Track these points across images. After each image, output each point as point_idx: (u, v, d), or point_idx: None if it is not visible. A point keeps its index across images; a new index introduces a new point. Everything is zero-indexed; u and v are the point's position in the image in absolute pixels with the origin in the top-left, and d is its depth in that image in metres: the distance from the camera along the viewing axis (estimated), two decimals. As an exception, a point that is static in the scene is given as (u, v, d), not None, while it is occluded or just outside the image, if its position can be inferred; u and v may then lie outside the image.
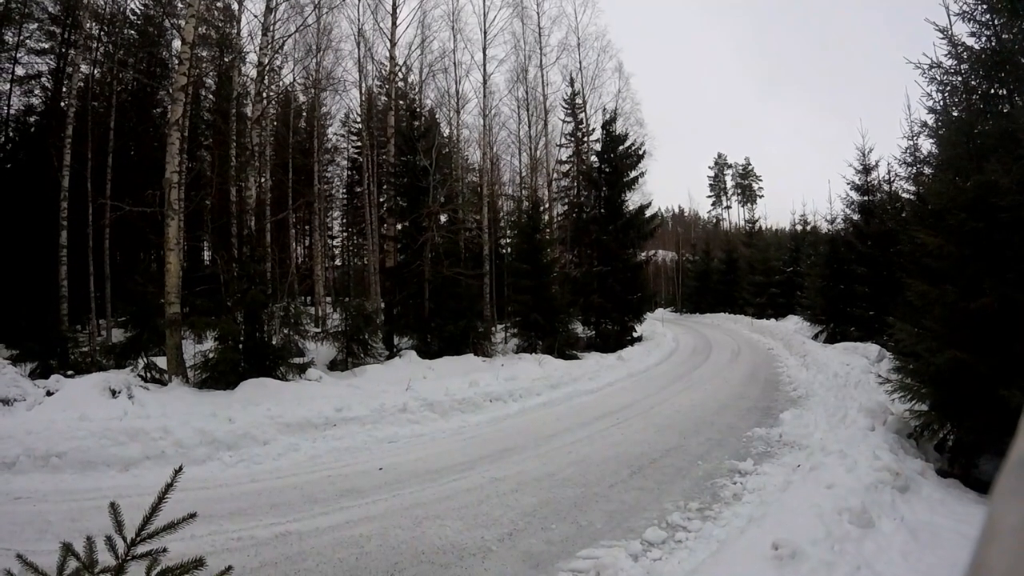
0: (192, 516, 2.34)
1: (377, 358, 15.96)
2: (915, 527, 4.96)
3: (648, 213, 24.41)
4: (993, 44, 7.04)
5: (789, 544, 4.34)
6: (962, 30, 7.34)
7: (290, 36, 20.35)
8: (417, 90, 26.10)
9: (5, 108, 22.05)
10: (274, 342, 12.84)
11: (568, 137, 32.21)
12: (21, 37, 20.94)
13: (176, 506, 2.36)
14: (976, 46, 7.22)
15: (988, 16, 7.04)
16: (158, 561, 2.26)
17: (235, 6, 22.09)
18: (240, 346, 12.27)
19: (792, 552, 4.27)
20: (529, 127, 28.26)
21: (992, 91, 7.20)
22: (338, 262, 42.20)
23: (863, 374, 11.64)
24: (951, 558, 4.43)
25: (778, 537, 4.46)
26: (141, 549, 2.21)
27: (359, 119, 28.54)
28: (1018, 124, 6.45)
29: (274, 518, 6.34)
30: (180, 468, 2.44)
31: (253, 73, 20.43)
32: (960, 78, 7.43)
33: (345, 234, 42.00)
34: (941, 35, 7.43)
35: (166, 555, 2.27)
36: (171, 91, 14.04)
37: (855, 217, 20.38)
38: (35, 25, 21.36)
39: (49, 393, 10.27)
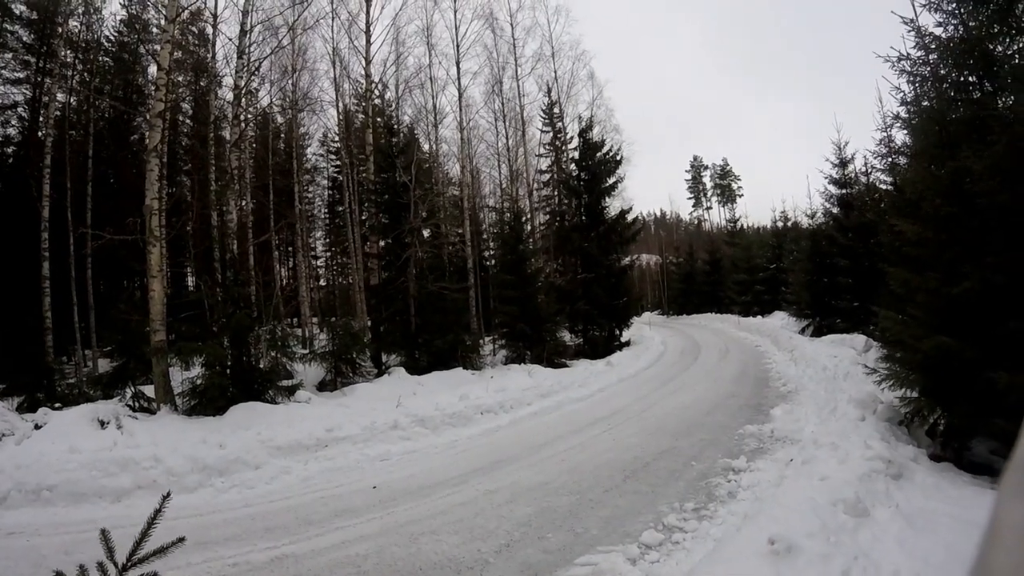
0: (180, 540, 2.32)
1: (366, 376, 15.88)
2: (910, 513, 4.98)
3: (629, 218, 24.46)
4: (960, 32, 7.13)
5: (785, 538, 4.34)
6: (929, 20, 7.44)
7: (265, 58, 20.41)
8: (394, 107, 26.14)
9: (-18, 139, 21.97)
10: (262, 365, 12.75)
11: (547, 147, 32.29)
12: (-4, 67, 20.84)
13: (170, 534, 2.34)
14: (943, 35, 7.30)
15: (954, 5, 7.13)
16: None
17: (210, 30, 22.04)
18: (228, 371, 12.17)
19: (788, 546, 4.28)
20: (507, 138, 28.39)
21: (962, 79, 7.28)
22: (323, 282, 42.02)
23: (851, 365, 11.71)
24: (947, 542, 4.45)
25: (774, 532, 4.46)
26: (132, 574, 2.19)
27: (337, 138, 28.60)
28: (989, 110, 6.53)
29: (269, 542, 6.29)
30: (168, 494, 2.42)
31: (230, 96, 20.43)
32: (929, 68, 7.52)
33: (328, 254, 41.89)
34: (908, 27, 7.51)
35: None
36: (148, 117, 13.96)
37: (835, 210, 20.57)
38: (10, 55, 21.25)
39: (37, 426, 10.14)
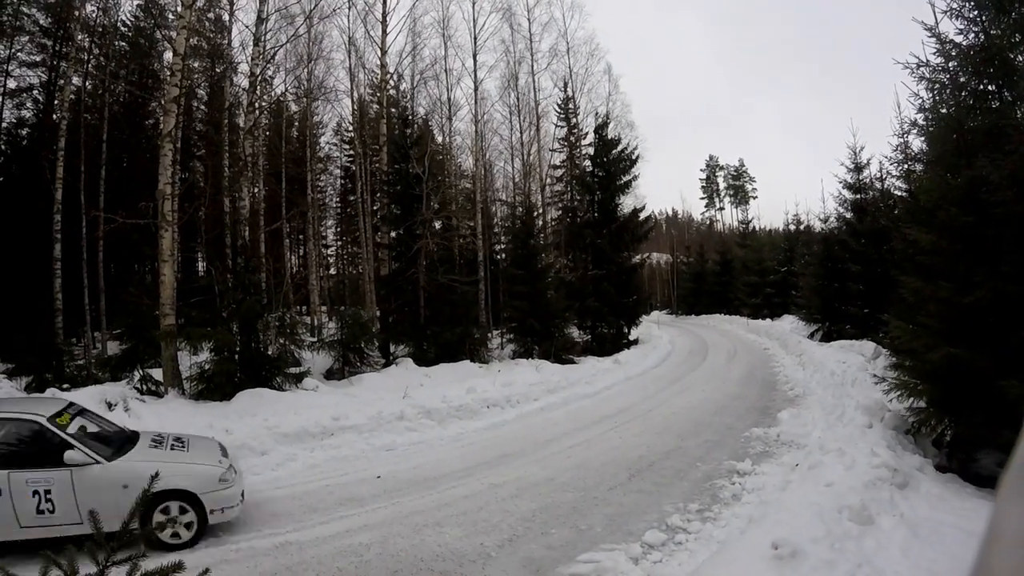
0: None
1: (374, 366, 15.91)
2: (915, 523, 4.97)
3: (642, 216, 24.41)
4: (981, 40, 7.07)
5: (789, 543, 4.33)
6: (949, 28, 7.38)
7: (281, 46, 20.42)
8: (409, 98, 26.17)
9: (-3, 121, 22.02)
10: (270, 352, 12.79)
11: (561, 142, 32.27)
12: (13, 50, 20.88)
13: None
14: (964, 43, 7.24)
15: (975, 12, 7.07)
16: (138, 566, 2.26)
17: (226, 17, 22.14)
18: (236, 357, 12.22)
19: (792, 551, 4.27)
20: (521, 133, 28.37)
21: (981, 87, 7.22)
22: (333, 271, 42.11)
23: (860, 372, 11.68)
24: (951, 553, 4.44)
25: (778, 536, 4.46)
26: (121, 555, 2.21)
27: (351, 128, 28.62)
28: (1007, 119, 6.48)
29: (273, 528, 6.32)
30: (156, 474, 2.44)
31: (245, 83, 20.47)
32: (948, 75, 7.46)
33: (339, 243, 41.93)
34: (929, 33, 7.45)
35: (146, 560, 2.27)
36: (163, 102, 13.99)
37: (848, 215, 20.46)
38: (26, 38, 21.30)
39: (45, 407, 10.21)
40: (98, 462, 5.87)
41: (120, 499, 5.42)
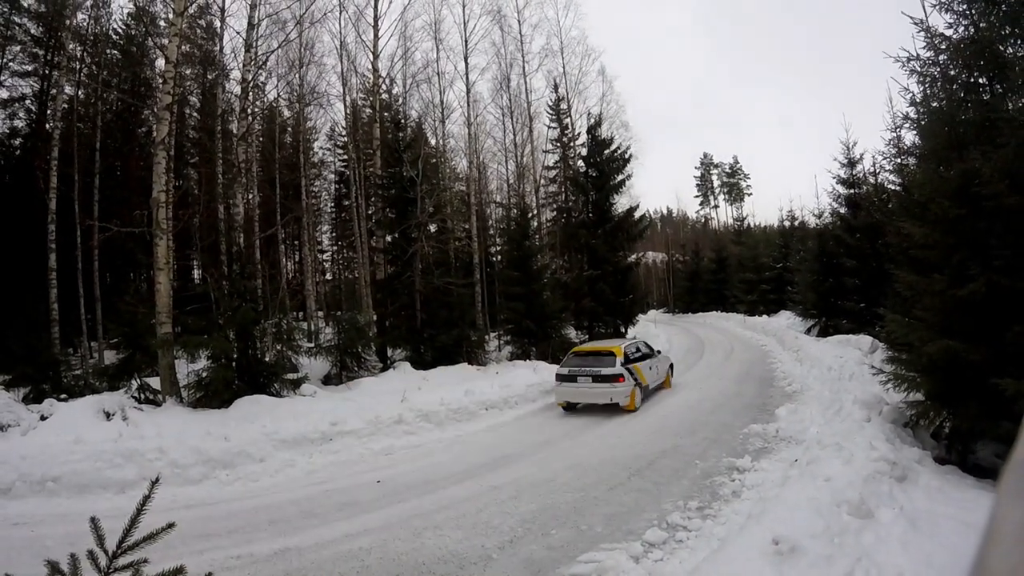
0: (171, 526, 2.33)
1: (371, 371, 15.90)
2: (914, 516, 4.96)
3: (636, 215, 24.45)
4: (971, 33, 7.08)
5: (789, 539, 4.34)
6: (939, 21, 7.39)
7: (273, 52, 20.43)
8: (401, 101, 26.15)
9: (-10, 131, 22.00)
10: (267, 358, 12.77)
11: (554, 143, 32.24)
12: (4, 60, 20.85)
13: (174, 526, 2.36)
14: (954, 36, 7.25)
15: (964, 6, 7.08)
16: (140, 572, 2.25)
17: (217, 24, 22.02)
18: (233, 364, 12.19)
19: (792, 547, 4.28)
20: (514, 135, 28.32)
21: (972, 80, 7.23)
22: (329, 276, 42.06)
23: (857, 366, 11.67)
24: (951, 545, 4.44)
25: (778, 532, 4.46)
26: (122, 561, 2.20)
27: (344, 132, 28.56)
28: (998, 112, 6.49)
29: (273, 534, 6.32)
30: (157, 480, 2.43)
31: (237, 90, 20.46)
32: (939, 69, 7.47)
33: (335, 248, 41.90)
34: (918, 27, 7.46)
35: (147, 565, 2.27)
36: (156, 110, 14.01)
37: (842, 210, 20.51)
38: (18, 47, 21.27)
39: (43, 417, 10.19)
40: (659, 354, 14.32)
41: (666, 367, 14.49)
